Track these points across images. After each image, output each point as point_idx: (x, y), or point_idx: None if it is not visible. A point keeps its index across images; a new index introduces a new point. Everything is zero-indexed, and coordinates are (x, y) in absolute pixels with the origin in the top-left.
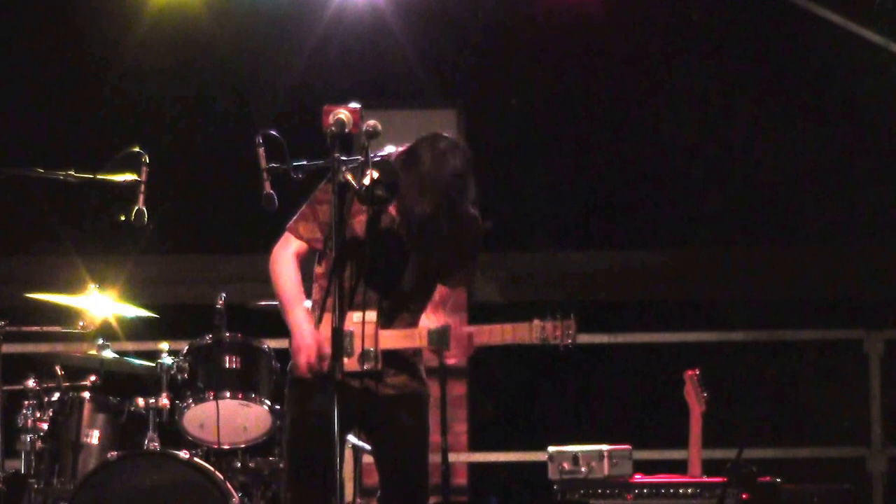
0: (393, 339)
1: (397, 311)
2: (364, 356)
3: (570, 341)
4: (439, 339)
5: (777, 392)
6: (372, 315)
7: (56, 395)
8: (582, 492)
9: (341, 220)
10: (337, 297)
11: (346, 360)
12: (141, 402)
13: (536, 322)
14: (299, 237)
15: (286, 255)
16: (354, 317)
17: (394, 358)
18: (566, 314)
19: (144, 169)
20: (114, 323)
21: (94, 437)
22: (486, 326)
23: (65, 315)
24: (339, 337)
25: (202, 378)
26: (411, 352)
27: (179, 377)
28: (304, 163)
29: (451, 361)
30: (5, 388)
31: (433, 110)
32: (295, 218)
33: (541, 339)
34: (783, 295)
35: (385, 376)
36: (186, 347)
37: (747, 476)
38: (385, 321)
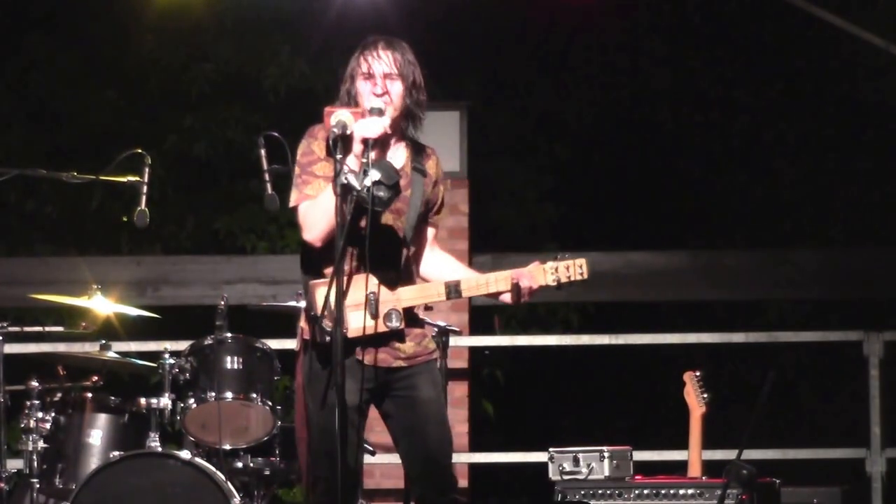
0: (412, 295)
1: (407, 270)
2: (388, 317)
3: (582, 276)
4: (455, 291)
5: (777, 393)
6: (389, 275)
7: (58, 396)
8: (582, 492)
9: (343, 220)
10: (337, 298)
11: (371, 321)
12: (143, 402)
13: (550, 263)
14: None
15: None
16: (371, 281)
17: (410, 318)
18: (574, 255)
19: (147, 170)
20: (116, 323)
21: (95, 438)
22: (506, 271)
23: (67, 315)
24: (343, 339)
25: (204, 378)
26: (421, 309)
27: (181, 377)
28: None
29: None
30: (8, 388)
31: (436, 111)
32: (296, 192)
33: (555, 280)
34: (783, 296)
35: (402, 339)
36: (188, 348)
37: (747, 477)
38: (402, 281)
